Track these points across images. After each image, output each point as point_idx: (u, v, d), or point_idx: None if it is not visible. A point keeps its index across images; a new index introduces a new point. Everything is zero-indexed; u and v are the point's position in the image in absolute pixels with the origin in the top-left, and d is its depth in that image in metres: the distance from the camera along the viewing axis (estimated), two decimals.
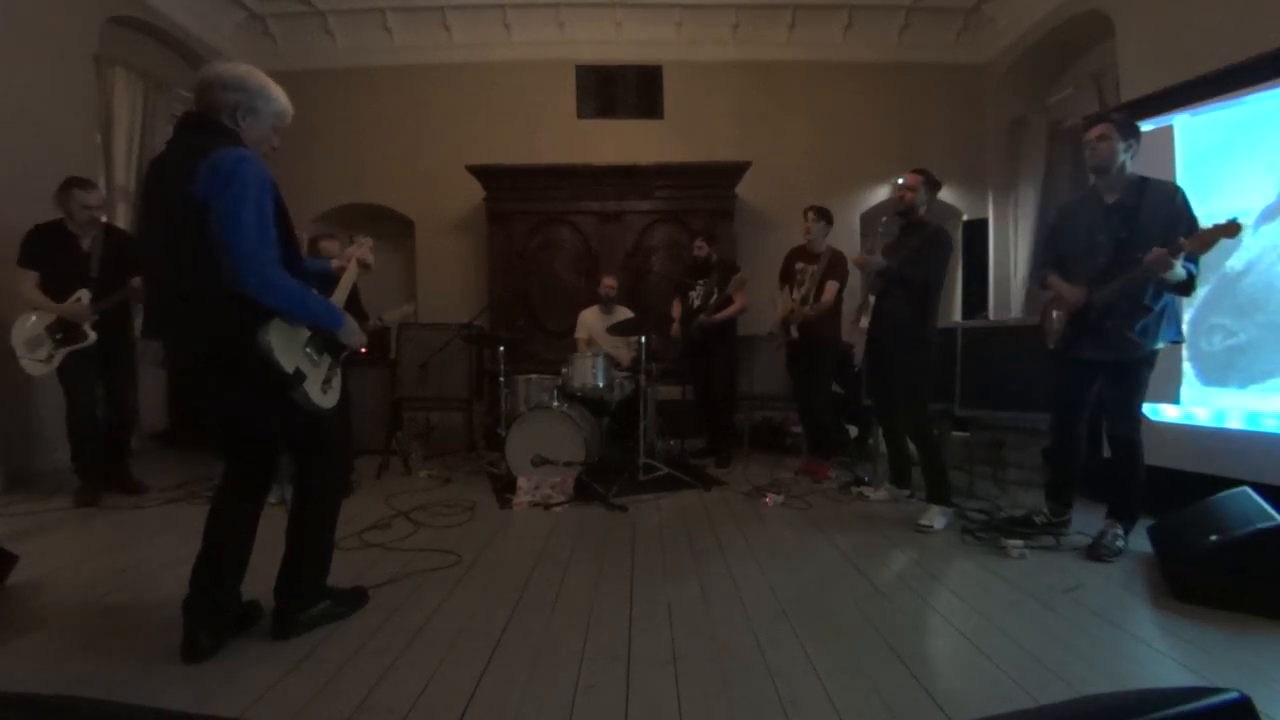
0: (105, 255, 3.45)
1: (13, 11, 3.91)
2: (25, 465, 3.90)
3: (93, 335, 3.38)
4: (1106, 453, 2.82)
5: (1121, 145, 2.57)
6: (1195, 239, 2.33)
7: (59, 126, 4.18)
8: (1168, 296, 2.55)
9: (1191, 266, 2.44)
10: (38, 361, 3.31)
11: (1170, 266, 2.35)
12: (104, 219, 3.55)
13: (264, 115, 1.81)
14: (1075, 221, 2.77)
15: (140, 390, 3.84)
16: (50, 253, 3.35)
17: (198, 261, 1.67)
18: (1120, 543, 2.62)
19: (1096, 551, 2.59)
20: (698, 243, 4.71)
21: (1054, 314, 2.77)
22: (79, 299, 3.36)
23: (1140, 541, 2.63)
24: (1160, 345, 2.59)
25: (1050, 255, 2.86)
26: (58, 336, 3.33)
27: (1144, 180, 2.59)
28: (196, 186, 1.64)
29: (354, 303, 3.47)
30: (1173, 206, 2.50)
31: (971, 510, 3.16)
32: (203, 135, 1.72)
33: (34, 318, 3.32)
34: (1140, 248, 2.42)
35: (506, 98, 6.18)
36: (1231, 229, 2.24)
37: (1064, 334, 2.72)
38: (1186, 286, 2.48)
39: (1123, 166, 2.60)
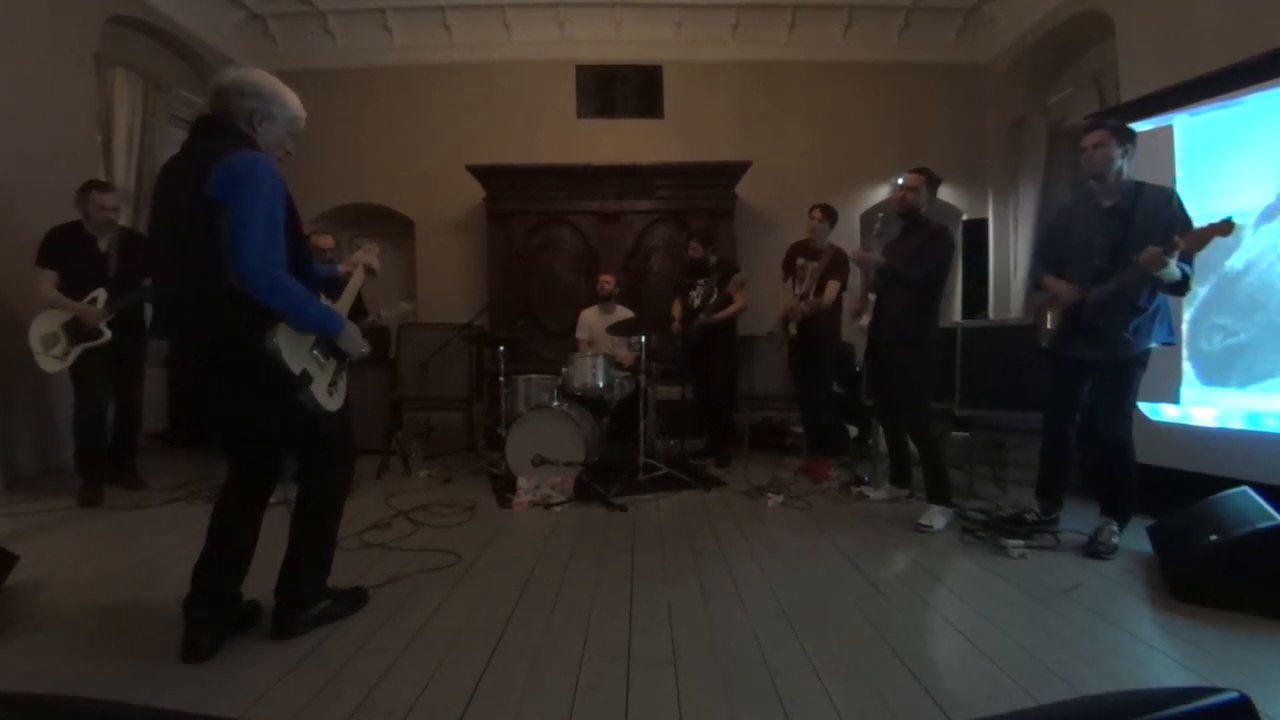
0: (122, 256, 3.51)
1: (13, 11, 3.90)
2: (37, 462, 3.96)
3: (108, 333, 3.43)
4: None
5: (1118, 151, 2.59)
6: (1189, 237, 2.34)
7: (59, 126, 4.18)
8: (1161, 298, 2.59)
9: (1186, 267, 2.46)
10: (53, 358, 3.36)
11: (1165, 264, 2.36)
12: (121, 221, 3.61)
13: (279, 121, 1.84)
14: (1072, 225, 2.80)
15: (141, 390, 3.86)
16: (68, 253, 3.40)
17: (204, 262, 1.68)
18: (1115, 540, 2.65)
19: (1093, 549, 2.62)
20: (693, 244, 4.67)
21: (1049, 314, 2.80)
22: (95, 299, 3.41)
23: (1140, 541, 2.62)
24: (1152, 345, 2.62)
25: (1047, 257, 2.90)
26: (74, 334, 3.38)
27: (1139, 185, 2.62)
28: (209, 188, 1.65)
29: (356, 301, 3.47)
30: (1168, 210, 2.52)
31: (971, 510, 3.16)
32: (218, 139, 1.74)
33: (51, 315, 3.37)
34: (1136, 250, 2.44)
35: (506, 98, 6.18)
36: (1225, 227, 2.24)
37: (1058, 333, 2.75)
38: (1181, 286, 2.51)
39: (1119, 172, 2.62)
